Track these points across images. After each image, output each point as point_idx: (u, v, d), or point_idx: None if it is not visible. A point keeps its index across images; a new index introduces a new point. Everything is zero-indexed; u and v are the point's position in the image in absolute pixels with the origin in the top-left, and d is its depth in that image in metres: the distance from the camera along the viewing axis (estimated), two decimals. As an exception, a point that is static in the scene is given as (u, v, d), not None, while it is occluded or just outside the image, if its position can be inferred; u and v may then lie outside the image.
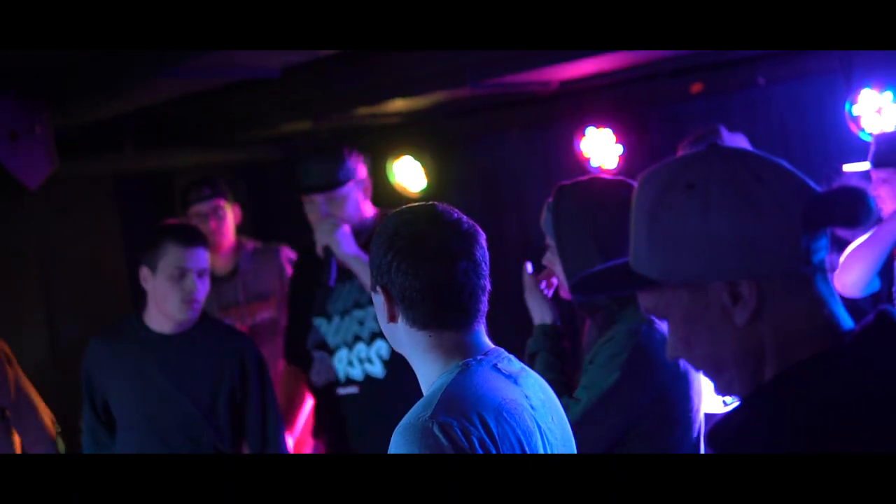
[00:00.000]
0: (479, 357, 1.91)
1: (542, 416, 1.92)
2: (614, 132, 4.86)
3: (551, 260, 2.66)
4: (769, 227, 1.25)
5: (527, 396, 1.91)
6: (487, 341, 1.96)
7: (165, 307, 3.46)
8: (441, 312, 1.88)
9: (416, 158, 5.56)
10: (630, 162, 4.80)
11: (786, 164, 1.31)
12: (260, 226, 5.88)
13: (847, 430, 1.18)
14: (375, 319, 3.10)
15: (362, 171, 3.87)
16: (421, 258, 1.87)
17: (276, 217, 5.99)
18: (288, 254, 4.70)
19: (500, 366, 1.92)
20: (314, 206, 3.81)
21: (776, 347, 1.28)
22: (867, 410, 1.19)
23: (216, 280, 4.47)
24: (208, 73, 3.65)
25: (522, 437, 1.82)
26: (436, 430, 1.72)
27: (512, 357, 1.99)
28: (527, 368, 2.00)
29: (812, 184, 1.30)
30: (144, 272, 3.47)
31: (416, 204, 1.98)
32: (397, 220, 1.92)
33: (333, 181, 3.77)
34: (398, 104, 4.88)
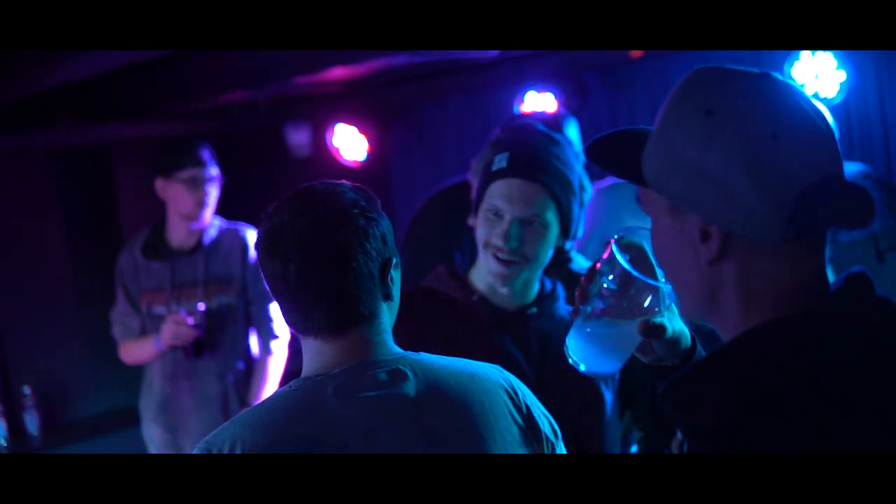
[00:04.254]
0: (333, 372, 1.69)
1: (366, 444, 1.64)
2: (556, 96, 4.85)
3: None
4: (758, 191, 1.20)
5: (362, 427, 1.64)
6: (368, 350, 1.71)
7: None
8: (291, 318, 1.73)
9: (356, 126, 5.52)
10: (572, 126, 4.79)
11: (824, 127, 1.23)
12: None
13: (797, 410, 1.15)
14: None
15: None
16: (266, 258, 1.71)
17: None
18: (250, 235, 4.22)
19: (343, 387, 1.66)
20: None
21: (735, 299, 1.27)
22: (819, 385, 1.16)
23: (176, 255, 4.22)
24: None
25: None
26: (198, 449, 1.64)
27: (394, 369, 1.70)
28: (396, 386, 1.68)
29: (837, 163, 1.23)
30: None
31: (292, 193, 1.79)
32: (265, 214, 1.76)
33: None
34: (337, 72, 4.83)
